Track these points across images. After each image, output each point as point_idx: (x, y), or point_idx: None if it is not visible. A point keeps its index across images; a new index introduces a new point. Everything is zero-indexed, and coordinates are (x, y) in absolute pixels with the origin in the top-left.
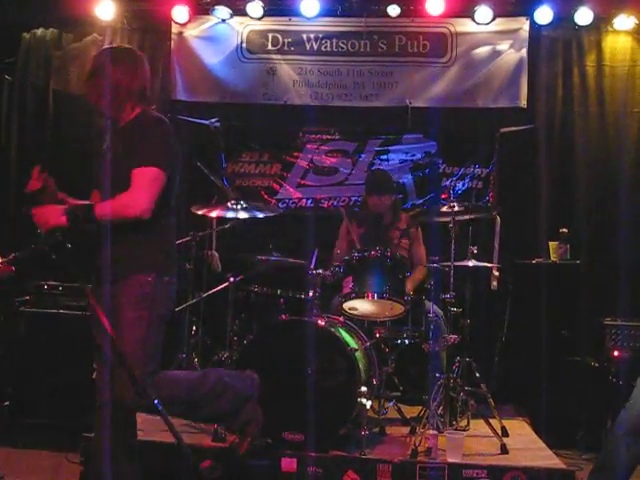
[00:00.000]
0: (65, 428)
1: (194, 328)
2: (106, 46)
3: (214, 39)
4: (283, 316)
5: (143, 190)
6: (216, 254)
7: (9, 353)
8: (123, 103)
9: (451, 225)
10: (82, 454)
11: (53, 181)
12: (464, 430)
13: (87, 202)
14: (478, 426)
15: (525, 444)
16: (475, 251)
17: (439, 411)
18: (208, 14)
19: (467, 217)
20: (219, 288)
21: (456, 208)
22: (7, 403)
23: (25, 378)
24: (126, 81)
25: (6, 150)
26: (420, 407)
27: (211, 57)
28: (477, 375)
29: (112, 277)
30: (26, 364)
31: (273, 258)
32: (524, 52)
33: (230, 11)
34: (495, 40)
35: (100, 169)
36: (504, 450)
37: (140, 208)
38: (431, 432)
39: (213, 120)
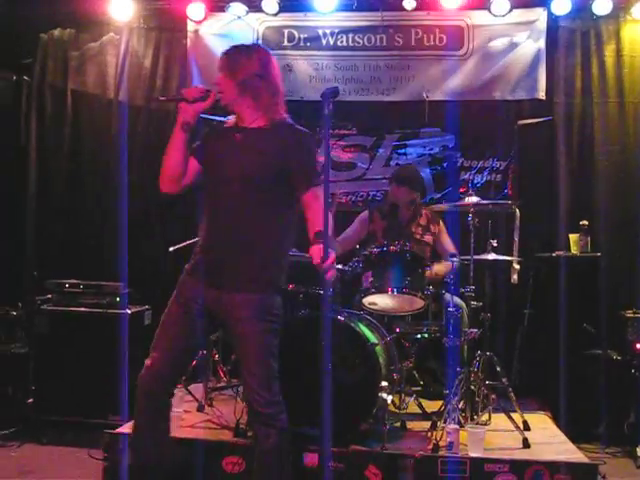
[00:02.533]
0: (88, 425)
1: None
2: None
3: (230, 36)
4: (302, 312)
5: None
6: None
7: (32, 351)
8: None
9: (470, 219)
10: (105, 450)
11: None
12: (485, 424)
13: None
14: (499, 420)
15: (547, 438)
16: (495, 244)
17: (460, 405)
18: (224, 11)
19: (486, 210)
20: None
21: (475, 201)
22: (31, 400)
23: (48, 376)
24: None
25: (25, 150)
26: (441, 402)
27: None
28: (498, 369)
29: None
30: (48, 362)
31: (290, 254)
32: (542, 43)
33: (246, 8)
34: (512, 32)
35: None
36: (526, 444)
37: None
38: (452, 427)
39: (230, 117)
